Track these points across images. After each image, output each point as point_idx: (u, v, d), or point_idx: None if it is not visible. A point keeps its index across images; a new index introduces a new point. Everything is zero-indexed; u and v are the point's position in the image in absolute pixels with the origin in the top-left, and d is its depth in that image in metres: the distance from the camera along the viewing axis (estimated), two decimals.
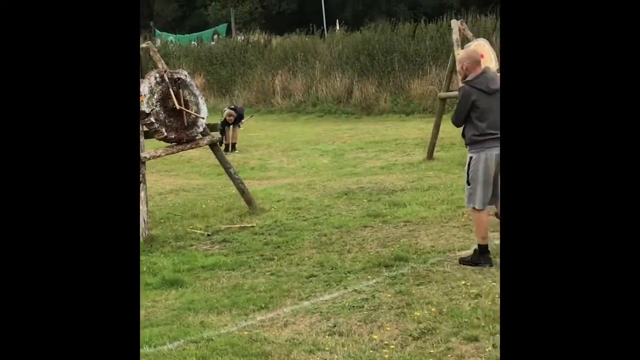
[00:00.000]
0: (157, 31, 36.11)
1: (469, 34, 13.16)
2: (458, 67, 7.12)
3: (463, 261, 6.80)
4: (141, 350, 5.21)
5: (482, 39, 13.13)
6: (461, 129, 6.93)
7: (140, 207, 8.64)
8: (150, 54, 9.39)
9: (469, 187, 6.80)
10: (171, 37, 34.10)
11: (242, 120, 16.84)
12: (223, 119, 16.24)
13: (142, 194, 8.71)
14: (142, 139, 8.82)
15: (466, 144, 6.90)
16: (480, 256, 6.73)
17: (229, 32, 34.90)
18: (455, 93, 13.00)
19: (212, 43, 30.65)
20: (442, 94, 13.53)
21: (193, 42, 31.27)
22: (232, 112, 16.38)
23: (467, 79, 6.84)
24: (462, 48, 12.57)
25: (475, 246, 6.86)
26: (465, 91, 6.78)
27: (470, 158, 6.75)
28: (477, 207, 6.77)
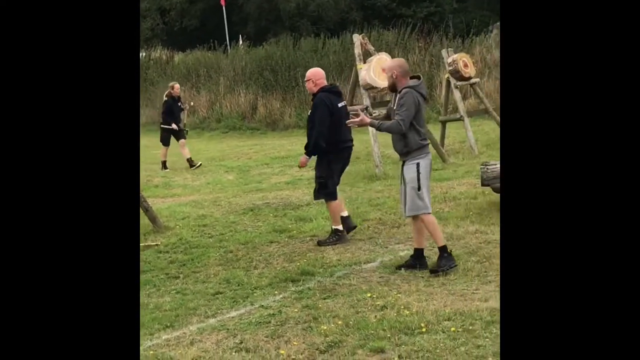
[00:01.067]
0: None
1: (371, 48, 13.39)
2: (387, 75, 7.05)
3: (434, 271, 6.77)
4: None
5: (383, 52, 13.38)
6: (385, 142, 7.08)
7: None
8: None
9: (419, 192, 6.79)
10: None
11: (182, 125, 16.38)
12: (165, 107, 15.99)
13: None
14: None
15: (407, 152, 6.85)
16: (448, 258, 6.81)
17: None
18: (359, 107, 13.18)
19: None
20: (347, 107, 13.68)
21: None
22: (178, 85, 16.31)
23: (411, 84, 6.89)
24: (364, 62, 12.78)
25: (441, 251, 6.87)
26: (414, 96, 6.81)
27: (418, 164, 6.80)
28: (429, 212, 6.87)
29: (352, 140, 8.55)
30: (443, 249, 6.79)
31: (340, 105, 8.42)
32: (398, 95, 6.85)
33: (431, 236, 6.93)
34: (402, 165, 6.93)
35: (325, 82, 8.62)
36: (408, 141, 6.83)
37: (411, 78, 6.94)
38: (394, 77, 6.90)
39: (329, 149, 8.15)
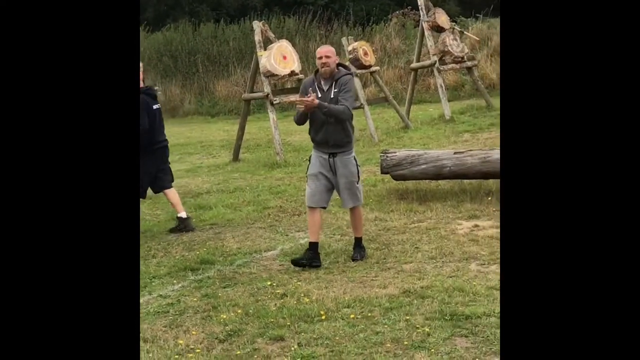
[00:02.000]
0: None
1: (271, 35, 13.36)
2: (329, 60, 6.71)
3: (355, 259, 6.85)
4: None
5: (284, 40, 13.36)
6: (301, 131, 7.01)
7: None
8: None
9: (357, 185, 6.82)
10: None
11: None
12: None
13: None
14: None
15: (348, 142, 6.78)
16: (364, 248, 6.97)
17: None
18: (259, 94, 13.14)
19: None
20: (247, 95, 13.64)
21: None
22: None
23: (352, 72, 6.95)
24: (265, 49, 12.74)
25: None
26: (354, 82, 6.79)
27: (355, 157, 6.84)
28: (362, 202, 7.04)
29: (166, 140, 8.79)
30: (361, 239, 6.97)
31: (155, 107, 8.50)
32: (339, 81, 6.68)
33: (358, 226, 6.98)
34: (334, 158, 6.76)
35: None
36: (348, 131, 6.78)
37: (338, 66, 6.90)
38: (335, 61, 6.77)
39: (143, 151, 7.57)
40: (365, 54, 14.62)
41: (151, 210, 9.48)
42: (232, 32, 22.60)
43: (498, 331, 4.69)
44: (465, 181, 9.08)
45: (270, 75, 12.62)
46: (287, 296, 5.93)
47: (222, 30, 22.86)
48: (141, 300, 6.10)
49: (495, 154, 8.42)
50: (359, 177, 6.83)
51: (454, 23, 17.47)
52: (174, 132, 17.66)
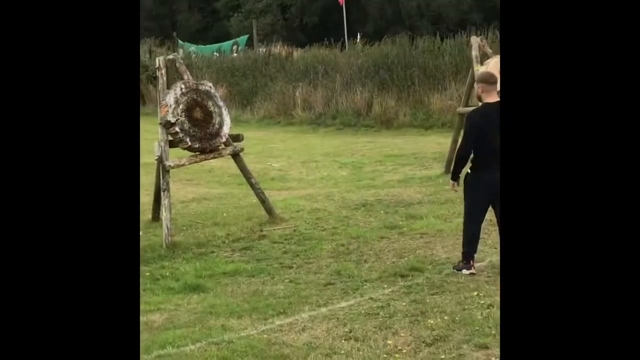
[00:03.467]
0: (180, 41, 36.44)
1: (489, 50, 13.29)
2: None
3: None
4: (164, 351, 5.43)
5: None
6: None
7: (164, 215, 8.90)
8: (177, 65, 9.66)
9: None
10: (193, 48, 34.40)
11: None
12: None
13: (165, 201, 8.96)
14: (166, 148, 9.07)
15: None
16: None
17: (249, 43, 35.19)
18: (474, 108, 13.10)
19: (234, 55, 30.91)
20: (461, 109, 13.66)
21: (215, 54, 31.55)
22: None
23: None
24: (482, 64, 12.73)
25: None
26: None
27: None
28: None
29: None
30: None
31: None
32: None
33: None
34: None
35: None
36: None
37: None
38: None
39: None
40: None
41: (364, 217, 9.78)
42: (448, 46, 22.65)
43: None
44: None
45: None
46: (493, 307, 6.00)
47: (439, 44, 22.96)
48: (353, 302, 6.40)
49: None
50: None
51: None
52: (388, 143, 18.03)
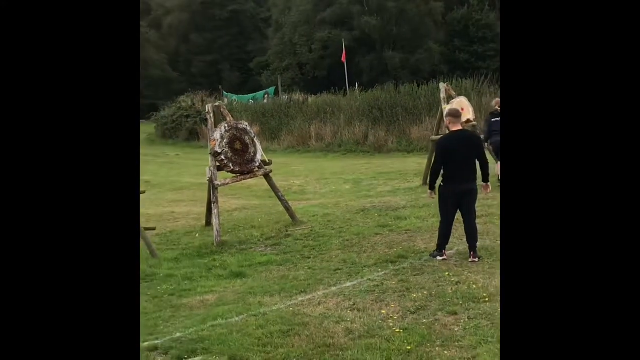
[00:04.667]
0: (224, 92, 36.57)
1: (453, 93, 13.32)
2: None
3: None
4: (216, 322, 5.44)
5: (462, 96, 13.30)
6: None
7: (214, 221, 8.91)
8: (222, 110, 9.73)
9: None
10: (234, 97, 34.48)
11: None
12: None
13: (215, 211, 8.99)
14: (215, 172, 9.11)
15: None
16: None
17: (276, 92, 35.31)
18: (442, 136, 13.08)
19: (265, 101, 30.99)
20: (434, 137, 13.63)
21: (251, 101, 31.64)
22: None
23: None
24: (448, 103, 12.74)
25: None
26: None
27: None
28: None
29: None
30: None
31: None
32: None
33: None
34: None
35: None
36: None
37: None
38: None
39: None
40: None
41: (363, 219, 9.76)
42: (423, 90, 22.66)
43: None
44: None
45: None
46: (460, 283, 5.99)
47: (416, 89, 22.98)
48: (356, 282, 6.39)
49: None
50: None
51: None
52: (380, 164, 18.00)
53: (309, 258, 7.65)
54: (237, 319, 5.53)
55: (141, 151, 3.77)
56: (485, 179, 7.04)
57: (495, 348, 4.36)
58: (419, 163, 16.16)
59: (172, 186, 16.03)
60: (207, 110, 9.81)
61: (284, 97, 30.80)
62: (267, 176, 9.81)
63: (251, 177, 9.74)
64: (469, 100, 13.42)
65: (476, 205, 7.00)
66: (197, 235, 9.51)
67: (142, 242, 7.77)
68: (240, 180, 9.69)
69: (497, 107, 11.99)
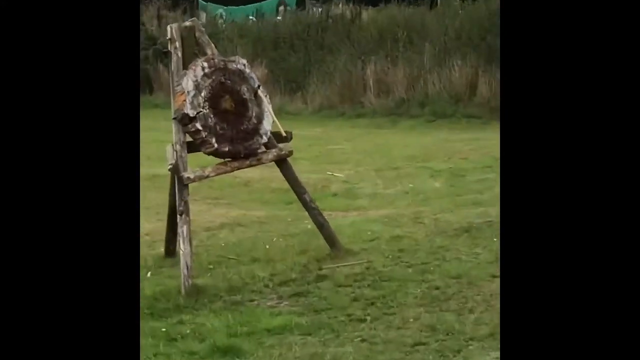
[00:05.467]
0: (201, 2, 36.78)
1: None
2: None
3: None
4: None
5: None
6: None
7: (182, 248, 8.96)
8: (196, 34, 9.72)
9: None
10: (220, 10, 34.66)
11: None
12: None
13: (183, 229, 9.02)
14: (183, 153, 9.14)
15: None
16: None
17: (300, 3, 35.37)
18: None
19: (279, 17, 31.07)
20: None
21: (251, 17, 31.74)
22: None
23: None
24: None
25: None
26: None
27: None
28: None
29: None
30: None
31: None
32: None
33: None
34: None
35: None
36: None
37: None
38: None
39: None
40: None
41: (468, 248, 9.73)
42: None
43: None
44: None
45: None
46: None
47: None
48: None
49: None
50: None
51: None
52: None
53: (364, 322, 7.65)
54: None
55: None
56: None
57: None
58: None
59: None
60: (169, 36, 9.81)
61: (315, 9, 30.82)
62: (282, 163, 9.82)
63: (253, 165, 9.75)
64: None
65: None
66: (148, 274, 9.59)
67: None
68: (233, 169, 9.69)
69: None
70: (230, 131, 9.23)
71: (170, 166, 9.18)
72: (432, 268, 9.04)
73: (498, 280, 8.39)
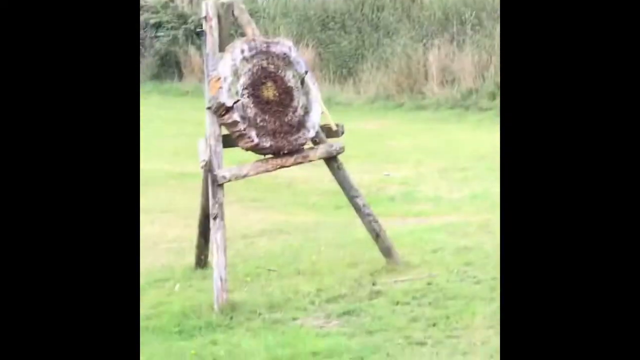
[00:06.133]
0: None
1: None
2: None
3: None
4: None
5: None
6: None
7: (216, 258, 8.96)
8: (235, 12, 9.72)
9: None
10: None
11: None
12: None
13: (217, 236, 9.02)
14: (218, 148, 9.14)
15: None
16: None
17: None
18: None
19: None
20: None
21: None
22: None
23: None
24: None
25: None
26: None
27: None
28: None
29: None
30: None
31: None
32: None
33: None
34: None
35: None
36: None
37: None
38: None
39: None
40: None
41: None
42: None
43: None
44: None
45: None
46: None
47: None
48: None
49: None
50: None
51: None
52: None
53: (425, 345, 7.65)
54: None
55: None
56: None
57: None
58: None
59: None
60: (203, 14, 9.82)
61: None
62: (332, 161, 9.81)
63: (298, 163, 9.75)
64: None
65: None
66: (176, 287, 9.63)
67: None
68: (275, 168, 9.70)
69: None
70: (272, 124, 9.22)
71: (203, 163, 9.18)
72: None
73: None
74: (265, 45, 9.37)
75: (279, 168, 9.80)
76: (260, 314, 8.67)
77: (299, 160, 9.62)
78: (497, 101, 22.16)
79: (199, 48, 19.97)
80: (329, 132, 9.77)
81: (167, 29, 29.61)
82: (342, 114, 16.79)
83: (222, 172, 9.11)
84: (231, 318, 8.56)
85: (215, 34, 9.51)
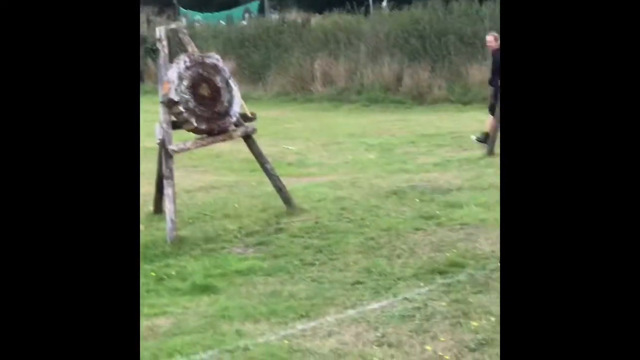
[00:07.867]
0: (182, 9, 36.43)
1: None
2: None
3: None
4: None
5: None
6: None
7: (167, 206, 8.92)
8: (180, 36, 9.69)
9: None
10: (198, 16, 34.42)
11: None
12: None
13: (168, 191, 8.98)
14: (169, 130, 9.10)
15: None
16: None
17: (261, 9, 35.13)
18: None
19: (245, 22, 30.92)
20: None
21: (222, 22, 31.56)
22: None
23: None
24: None
25: None
26: None
27: None
28: None
29: None
30: None
31: None
32: None
33: None
34: None
35: None
36: None
37: None
38: None
39: None
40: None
41: (396, 207, 9.77)
42: (488, 9, 22.48)
43: None
44: None
45: None
46: None
47: (477, 8, 22.79)
48: (385, 303, 6.39)
49: None
50: None
51: None
52: (422, 121, 17.97)
53: (313, 265, 7.67)
54: (203, 355, 5.55)
55: None
56: None
57: None
58: (481, 121, 16.14)
59: None
60: (157, 37, 9.76)
61: (274, 15, 30.70)
62: (248, 138, 9.81)
63: (224, 140, 9.74)
64: None
65: None
66: (141, 227, 9.53)
67: None
68: (208, 143, 9.68)
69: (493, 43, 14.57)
70: (206, 113, 9.19)
71: (158, 141, 9.18)
72: (367, 222, 9.06)
73: (420, 232, 8.47)
74: (200, 58, 9.32)
75: (212, 144, 9.83)
76: (199, 245, 8.62)
77: (225, 138, 9.62)
78: (362, 96, 22.26)
79: (155, 60, 19.68)
80: (246, 118, 9.78)
81: None
82: (254, 106, 16.67)
83: (172, 147, 9.08)
84: (179, 248, 8.51)
85: (166, 50, 9.50)
